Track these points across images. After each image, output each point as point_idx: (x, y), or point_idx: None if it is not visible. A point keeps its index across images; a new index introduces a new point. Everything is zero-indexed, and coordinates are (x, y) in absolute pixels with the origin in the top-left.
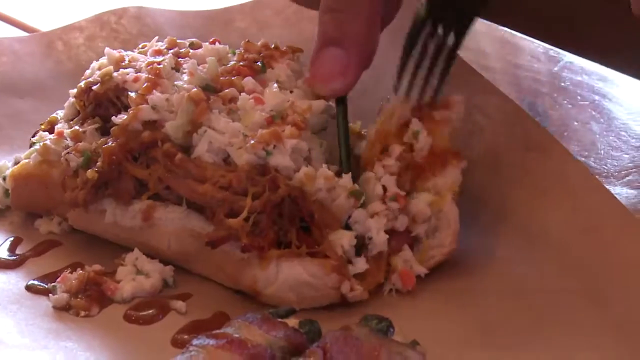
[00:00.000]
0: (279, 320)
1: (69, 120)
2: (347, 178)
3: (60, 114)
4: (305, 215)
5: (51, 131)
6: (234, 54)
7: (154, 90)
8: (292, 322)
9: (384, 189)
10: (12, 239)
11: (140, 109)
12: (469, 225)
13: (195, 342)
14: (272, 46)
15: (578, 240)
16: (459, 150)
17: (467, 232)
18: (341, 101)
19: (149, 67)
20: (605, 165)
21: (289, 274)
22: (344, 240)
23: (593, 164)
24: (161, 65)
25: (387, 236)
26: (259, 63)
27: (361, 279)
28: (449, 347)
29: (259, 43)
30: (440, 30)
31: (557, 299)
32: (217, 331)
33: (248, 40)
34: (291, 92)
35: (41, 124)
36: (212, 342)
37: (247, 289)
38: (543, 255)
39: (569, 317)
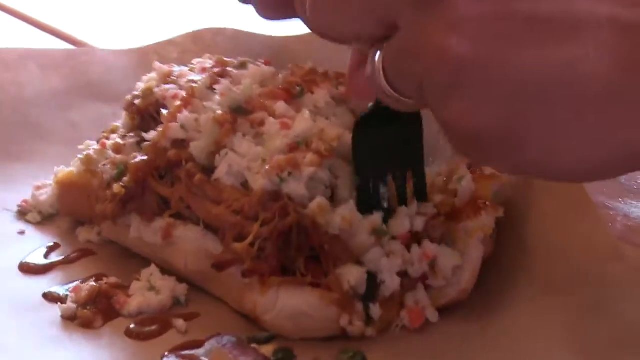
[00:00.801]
0: (252, 346)
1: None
2: (377, 216)
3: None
4: (315, 246)
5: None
6: None
7: (184, 110)
8: (268, 348)
9: (410, 229)
10: (50, 244)
11: (169, 127)
12: (488, 267)
13: None
14: (321, 71)
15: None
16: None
17: (485, 273)
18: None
19: (186, 86)
20: (636, 181)
21: (287, 303)
22: (350, 275)
23: (623, 180)
24: (196, 84)
25: (400, 279)
26: (298, 87)
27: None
28: None
29: (307, 67)
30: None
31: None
32: (187, 352)
33: (297, 64)
34: (327, 118)
35: (103, 132)
36: None
37: (249, 313)
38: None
39: None
